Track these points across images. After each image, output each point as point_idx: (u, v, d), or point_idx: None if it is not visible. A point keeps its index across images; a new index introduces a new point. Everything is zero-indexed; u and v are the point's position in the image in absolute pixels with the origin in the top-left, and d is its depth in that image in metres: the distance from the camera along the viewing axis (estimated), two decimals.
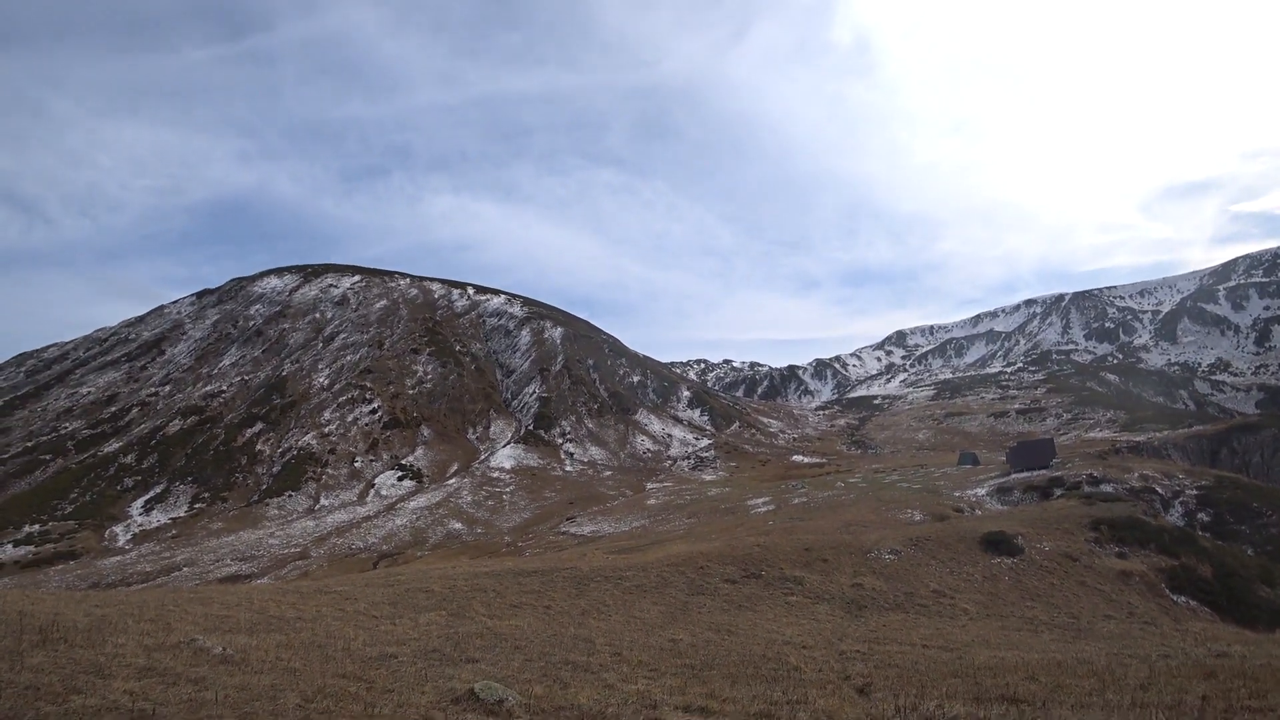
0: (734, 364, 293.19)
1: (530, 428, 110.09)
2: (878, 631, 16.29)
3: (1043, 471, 58.76)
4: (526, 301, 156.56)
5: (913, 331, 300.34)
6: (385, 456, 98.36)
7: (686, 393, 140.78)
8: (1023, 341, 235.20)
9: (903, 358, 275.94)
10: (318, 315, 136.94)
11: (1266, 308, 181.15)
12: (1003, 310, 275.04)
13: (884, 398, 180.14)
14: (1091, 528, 28.18)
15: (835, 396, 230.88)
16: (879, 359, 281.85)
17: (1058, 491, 51.13)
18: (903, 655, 12.06)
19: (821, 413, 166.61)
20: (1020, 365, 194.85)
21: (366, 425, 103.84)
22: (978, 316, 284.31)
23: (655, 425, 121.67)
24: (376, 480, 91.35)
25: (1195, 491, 51.34)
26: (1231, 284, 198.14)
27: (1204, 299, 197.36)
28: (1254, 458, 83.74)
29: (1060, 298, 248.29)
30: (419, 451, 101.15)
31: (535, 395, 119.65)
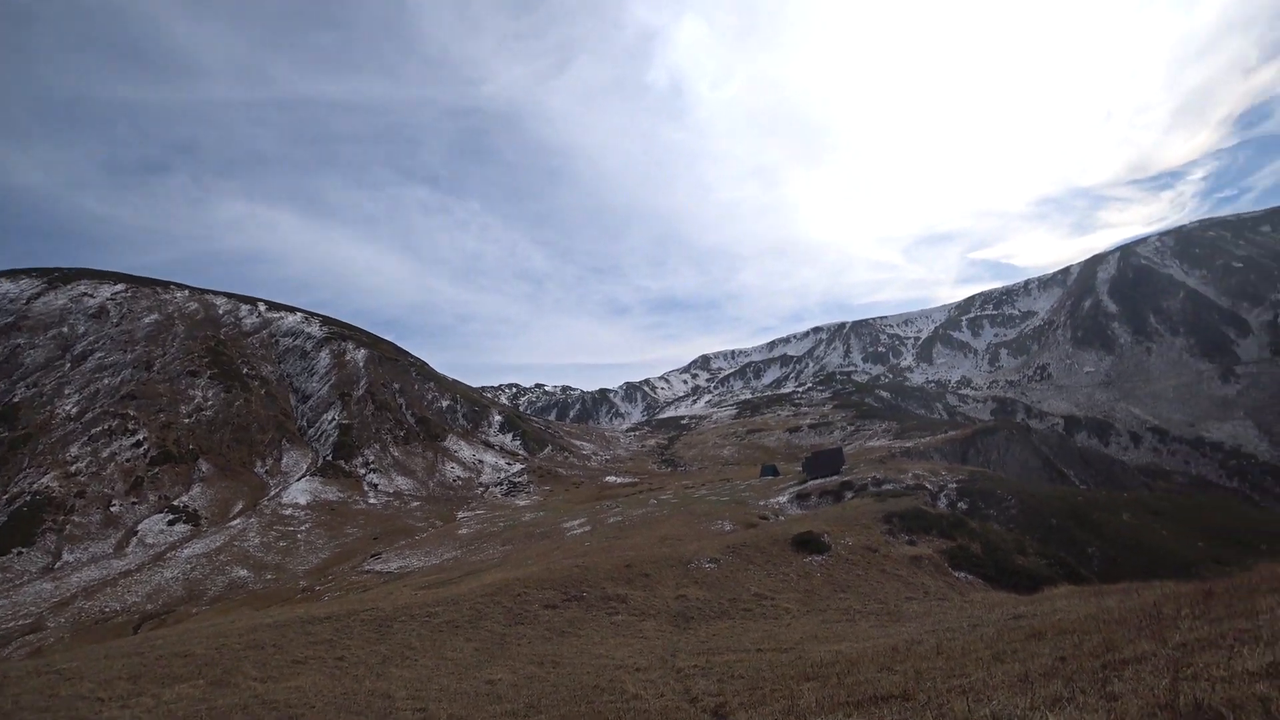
0: (546, 388, 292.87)
1: (329, 458, 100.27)
2: (709, 641, 15.69)
3: (835, 477, 63.81)
4: (326, 320, 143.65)
5: (716, 356, 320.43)
6: (152, 498, 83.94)
7: (498, 417, 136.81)
8: (812, 364, 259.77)
9: (707, 380, 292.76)
10: (66, 329, 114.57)
11: (996, 335, 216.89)
12: (795, 336, 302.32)
13: (691, 418, 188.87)
14: (885, 520, 30.50)
15: (645, 418, 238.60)
16: (685, 381, 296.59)
17: (849, 494, 55.70)
18: (742, 663, 11.38)
19: (633, 434, 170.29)
20: (810, 385, 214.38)
21: (128, 461, 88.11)
22: (773, 342, 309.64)
23: (466, 451, 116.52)
24: (140, 526, 77.50)
25: (955, 485, 58.46)
26: (970, 315, 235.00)
27: (951, 328, 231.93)
28: (993, 455, 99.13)
29: (842, 326, 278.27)
30: (195, 489, 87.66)
31: (335, 422, 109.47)
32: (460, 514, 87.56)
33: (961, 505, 55.00)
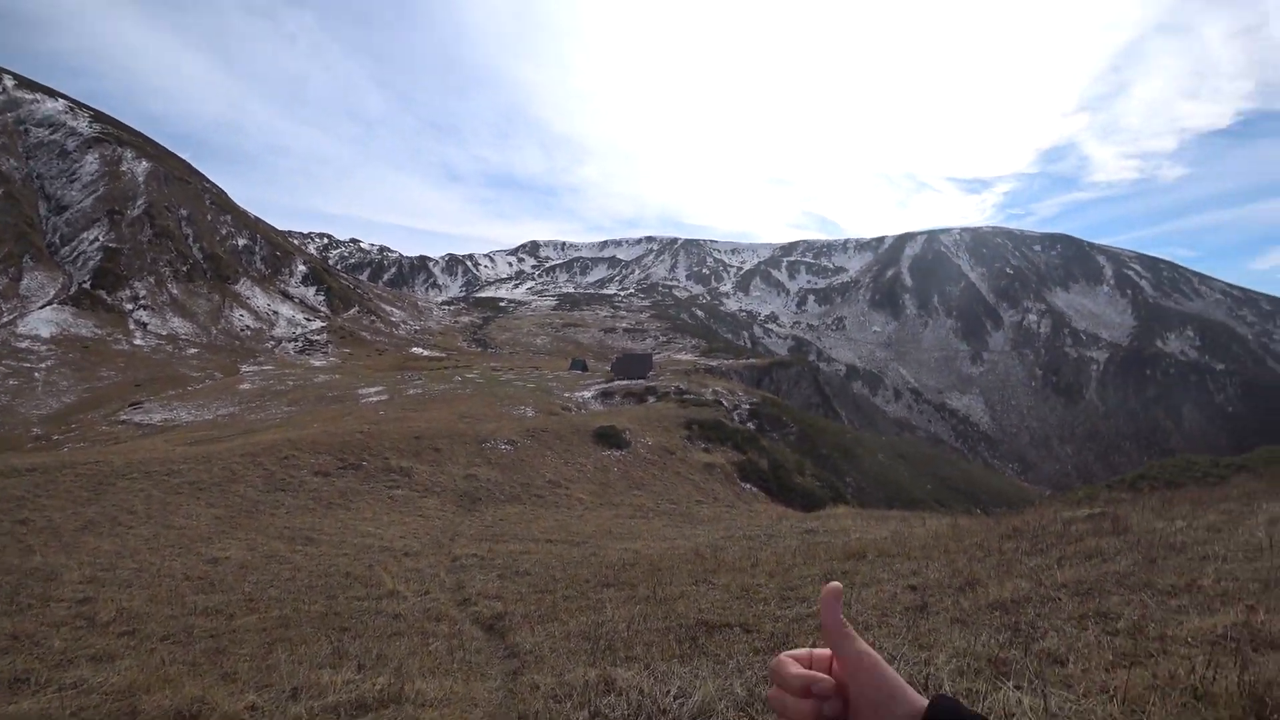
0: (362, 245, 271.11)
1: (87, 285, 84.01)
2: (496, 527, 14.38)
3: (640, 381, 65.36)
4: (100, 117, 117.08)
5: (546, 244, 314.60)
6: None
7: (302, 267, 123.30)
8: (638, 272, 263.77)
9: (533, 267, 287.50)
10: None
11: (809, 282, 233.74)
12: (627, 241, 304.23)
13: (510, 302, 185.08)
14: (685, 426, 31.09)
15: (464, 294, 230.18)
16: (510, 264, 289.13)
17: (651, 398, 57.31)
18: (530, 556, 10.10)
19: (447, 308, 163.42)
20: (632, 291, 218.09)
21: None
22: (604, 243, 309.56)
23: (260, 299, 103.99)
24: None
25: (748, 406, 62.51)
26: (791, 259, 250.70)
27: (772, 266, 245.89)
28: (784, 386, 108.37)
29: (674, 241, 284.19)
30: None
31: (98, 244, 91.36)
32: (244, 368, 78.52)
33: (751, 424, 59.02)
